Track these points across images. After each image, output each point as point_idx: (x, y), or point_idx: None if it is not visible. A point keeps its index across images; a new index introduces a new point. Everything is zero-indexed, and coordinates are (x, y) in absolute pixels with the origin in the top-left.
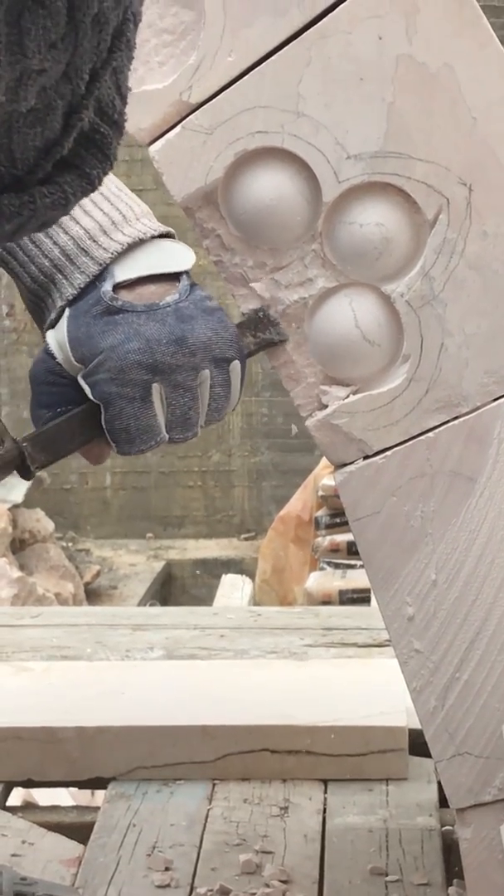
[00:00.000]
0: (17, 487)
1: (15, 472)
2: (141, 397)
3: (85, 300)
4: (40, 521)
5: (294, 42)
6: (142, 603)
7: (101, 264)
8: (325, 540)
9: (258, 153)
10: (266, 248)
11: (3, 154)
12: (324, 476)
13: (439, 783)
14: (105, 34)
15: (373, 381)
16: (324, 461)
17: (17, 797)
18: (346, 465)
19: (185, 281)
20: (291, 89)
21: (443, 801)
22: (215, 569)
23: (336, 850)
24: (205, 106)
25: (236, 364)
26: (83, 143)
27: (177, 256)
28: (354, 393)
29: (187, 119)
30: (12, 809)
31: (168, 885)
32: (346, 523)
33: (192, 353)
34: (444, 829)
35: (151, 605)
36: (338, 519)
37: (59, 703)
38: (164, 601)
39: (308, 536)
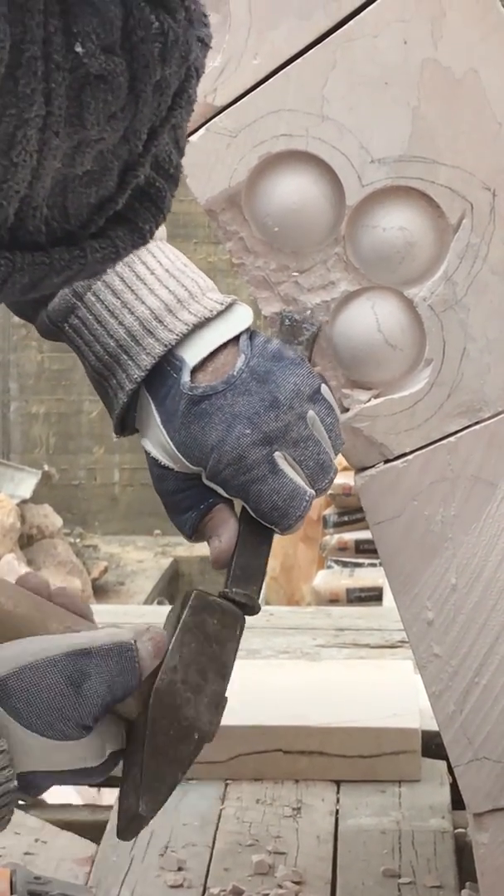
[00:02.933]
0: (25, 483)
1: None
2: (271, 471)
3: (170, 400)
4: (48, 517)
5: (319, 45)
6: (149, 600)
7: (166, 345)
8: (333, 538)
9: (282, 156)
10: (289, 251)
11: (56, 210)
12: None
13: (452, 785)
14: (166, 97)
15: (394, 385)
16: None
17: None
18: (366, 468)
19: (244, 336)
20: (316, 92)
21: (455, 804)
22: None
23: (349, 852)
24: (230, 108)
25: (324, 387)
26: (138, 197)
27: (234, 319)
28: (376, 397)
29: (212, 121)
30: (24, 807)
31: (181, 885)
32: (354, 522)
33: (290, 406)
34: (456, 831)
35: (159, 602)
36: (346, 517)
37: None
38: (172, 598)
39: (316, 535)
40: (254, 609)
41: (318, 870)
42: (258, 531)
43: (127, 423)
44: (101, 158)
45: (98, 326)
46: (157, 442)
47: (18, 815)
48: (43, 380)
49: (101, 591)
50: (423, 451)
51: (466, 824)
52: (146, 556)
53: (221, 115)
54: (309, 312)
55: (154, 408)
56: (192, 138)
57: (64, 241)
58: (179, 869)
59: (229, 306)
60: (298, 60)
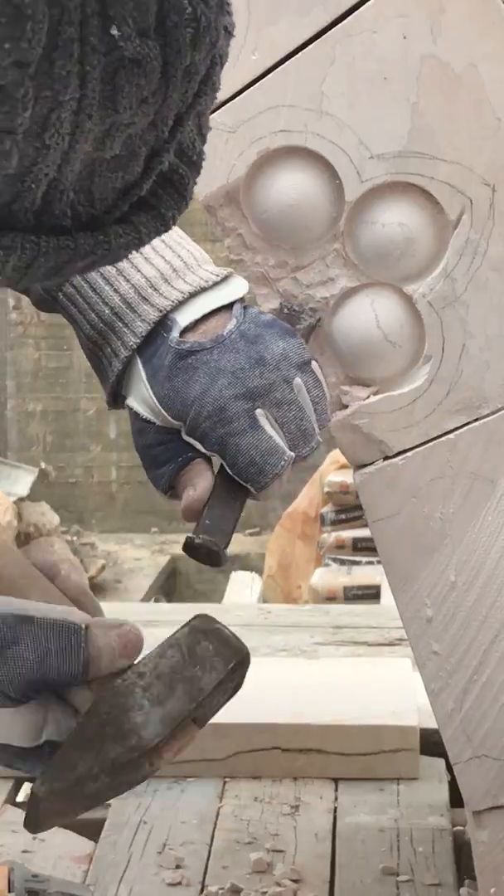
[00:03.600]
0: (21, 480)
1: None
2: (250, 426)
3: (157, 357)
4: (45, 515)
5: (318, 41)
6: (147, 597)
7: (161, 311)
8: (331, 536)
9: (281, 152)
10: (288, 247)
11: (83, 195)
12: (330, 472)
13: (451, 783)
14: (194, 83)
15: (394, 382)
16: (330, 458)
17: (23, 794)
18: (365, 465)
19: (237, 304)
20: (315, 88)
21: (454, 801)
22: None
23: (347, 850)
24: (228, 104)
25: (314, 363)
26: (161, 184)
27: (229, 289)
28: (375, 394)
29: (210, 117)
30: (23, 805)
31: (179, 883)
32: (352, 520)
33: (277, 367)
34: (455, 829)
35: (156, 600)
36: (343, 515)
37: None
38: (169, 596)
39: (314, 533)
40: (220, 558)
41: (316, 868)
42: (233, 489)
43: (119, 395)
44: (129, 143)
45: (93, 294)
46: (140, 397)
47: (16, 813)
48: (40, 377)
49: (98, 588)
50: (423, 448)
51: (465, 822)
52: (144, 553)
53: (220, 110)
54: (308, 307)
55: (141, 365)
56: None
57: (88, 226)
58: (178, 867)
59: (225, 278)
60: (297, 56)
